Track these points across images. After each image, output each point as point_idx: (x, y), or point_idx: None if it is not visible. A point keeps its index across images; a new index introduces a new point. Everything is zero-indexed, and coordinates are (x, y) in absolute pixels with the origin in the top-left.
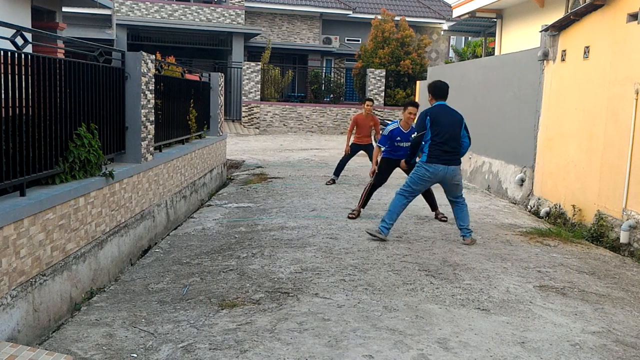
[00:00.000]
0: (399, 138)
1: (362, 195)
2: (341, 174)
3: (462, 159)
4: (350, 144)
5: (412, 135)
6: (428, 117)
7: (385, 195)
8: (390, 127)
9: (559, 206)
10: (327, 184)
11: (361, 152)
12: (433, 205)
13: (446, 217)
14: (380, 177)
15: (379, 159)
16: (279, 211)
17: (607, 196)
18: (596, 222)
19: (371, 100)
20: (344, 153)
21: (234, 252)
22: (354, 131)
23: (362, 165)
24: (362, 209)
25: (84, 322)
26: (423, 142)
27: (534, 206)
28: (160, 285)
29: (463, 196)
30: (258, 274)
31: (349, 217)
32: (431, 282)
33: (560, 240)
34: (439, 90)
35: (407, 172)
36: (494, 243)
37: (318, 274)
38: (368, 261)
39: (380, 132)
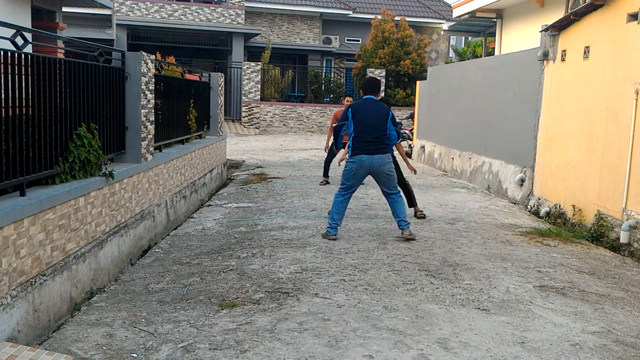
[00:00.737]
0: None
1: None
2: (335, 174)
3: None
4: (331, 142)
5: (334, 124)
6: (350, 109)
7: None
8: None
9: (559, 206)
10: (320, 185)
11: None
12: (411, 202)
13: (424, 214)
14: None
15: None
16: (279, 211)
17: (607, 196)
18: (596, 222)
19: (351, 96)
20: (326, 152)
21: (234, 252)
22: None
23: None
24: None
25: (84, 322)
26: (350, 140)
27: (534, 206)
28: (160, 285)
29: (398, 189)
30: (258, 274)
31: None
32: (431, 282)
33: (560, 240)
34: (366, 85)
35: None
36: (494, 243)
37: (318, 274)
38: (368, 261)
39: None
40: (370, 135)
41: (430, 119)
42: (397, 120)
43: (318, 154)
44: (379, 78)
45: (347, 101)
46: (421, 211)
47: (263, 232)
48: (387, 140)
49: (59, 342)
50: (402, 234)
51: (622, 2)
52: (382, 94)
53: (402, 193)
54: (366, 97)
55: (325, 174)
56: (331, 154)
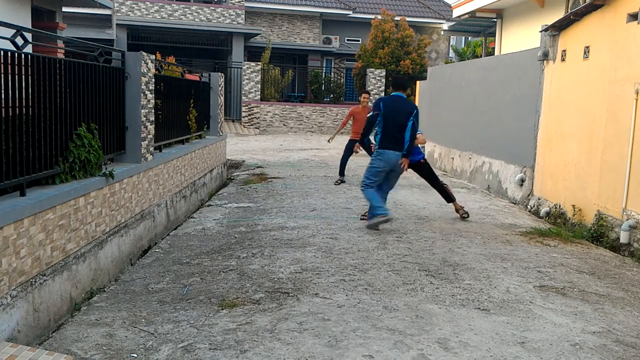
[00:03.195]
0: None
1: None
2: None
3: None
4: (347, 140)
5: (369, 114)
6: (380, 103)
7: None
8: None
9: (559, 206)
10: (335, 184)
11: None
12: (448, 198)
13: (467, 213)
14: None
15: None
16: (279, 211)
17: (607, 196)
18: (596, 222)
19: (367, 92)
20: (329, 142)
21: (234, 252)
22: (348, 127)
23: (362, 166)
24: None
25: (84, 322)
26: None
27: (534, 206)
28: (160, 285)
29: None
30: (258, 274)
31: (361, 219)
32: (431, 282)
33: (560, 240)
34: (395, 82)
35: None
36: (494, 243)
37: (318, 274)
38: (368, 261)
39: None
40: (390, 132)
41: (430, 119)
42: None
43: (318, 154)
44: (405, 75)
45: (364, 97)
46: (462, 208)
47: (263, 232)
48: (405, 138)
49: (59, 342)
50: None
51: (622, 2)
52: (382, 95)
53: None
54: (394, 93)
55: (342, 174)
56: (348, 151)
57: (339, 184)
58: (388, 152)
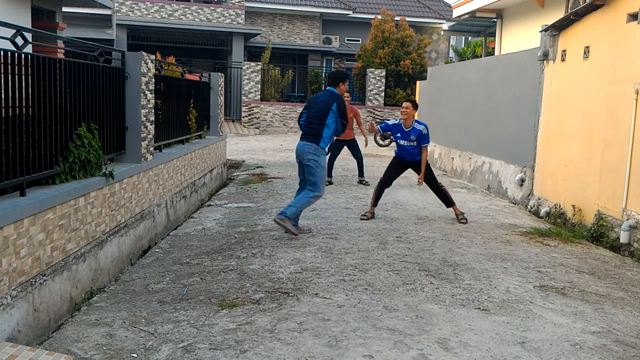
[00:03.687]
0: (399, 134)
1: (372, 195)
2: (341, 175)
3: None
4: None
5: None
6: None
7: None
8: (393, 121)
9: (559, 206)
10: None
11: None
12: (448, 202)
13: (466, 218)
14: (387, 175)
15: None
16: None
17: (607, 196)
18: (596, 222)
19: (349, 92)
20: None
21: (234, 252)
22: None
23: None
24: (374, 208)
25: (84, 322)
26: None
27: (534, 206)
28: (160, 285)
29: (316, 189)
30: (258, 274)
31: (361, 219)
32: (431, 282)
33: (560, 240)
34: (328, 77)
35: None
36: (494, 243)
37: (318, 274)
38: (368, 261)
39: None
40: (308, 123)
41: (430, 119)
42: (396, 121)
43: None
44: (344, 70)
45: (346, 96)
46: (462, 214)
47: (263, 232)
48: (320, 130)
49: (59, 342)
50: (275, 218)
51: (622, 2)
52: (382, 94)
53: (315, 193)
54: (328, 87)
55: (329, 174)
56: (335, 152)
57: (328, 184)
58: (298, 143)
